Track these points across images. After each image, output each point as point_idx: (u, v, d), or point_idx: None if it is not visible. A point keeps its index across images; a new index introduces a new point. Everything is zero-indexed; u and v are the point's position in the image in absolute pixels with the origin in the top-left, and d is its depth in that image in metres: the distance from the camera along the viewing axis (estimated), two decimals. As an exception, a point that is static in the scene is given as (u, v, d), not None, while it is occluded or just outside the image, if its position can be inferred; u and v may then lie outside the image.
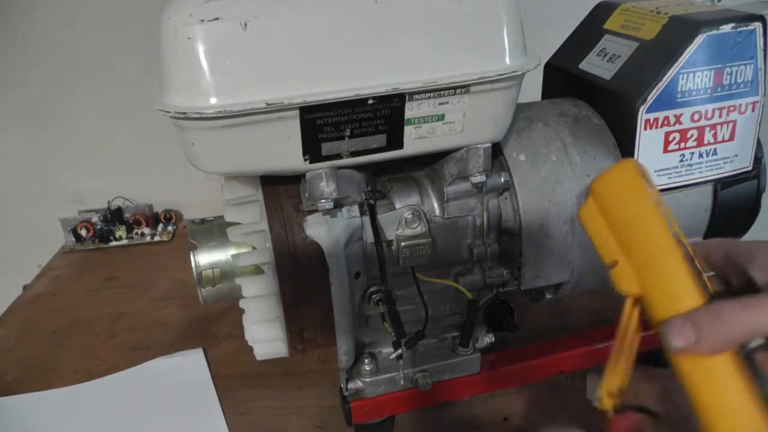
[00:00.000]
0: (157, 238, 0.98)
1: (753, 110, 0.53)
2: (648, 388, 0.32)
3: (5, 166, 1.00)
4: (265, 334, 0.54)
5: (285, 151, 0.44)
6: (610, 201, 0.31)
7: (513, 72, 0.44)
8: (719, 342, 0.27)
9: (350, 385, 0.55)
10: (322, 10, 0.41)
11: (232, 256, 0.53)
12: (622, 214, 0.30)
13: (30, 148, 0.99)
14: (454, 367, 0.57)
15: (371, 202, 0.50)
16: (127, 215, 1.00)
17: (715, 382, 0.27)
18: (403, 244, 0.50)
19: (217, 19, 0.39)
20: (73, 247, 0.97)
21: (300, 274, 0.50)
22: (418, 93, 0.43)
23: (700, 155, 0.54)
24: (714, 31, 0.49)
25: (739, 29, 0.50)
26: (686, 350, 0.27)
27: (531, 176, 0.52)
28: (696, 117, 0.52)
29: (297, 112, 0.42)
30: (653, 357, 0.49)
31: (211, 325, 0.76)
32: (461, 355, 0.57)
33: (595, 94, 0.56)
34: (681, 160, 0.53)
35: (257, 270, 0.53)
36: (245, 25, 0.40)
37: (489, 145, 0.49)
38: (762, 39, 0.51)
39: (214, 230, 0.55)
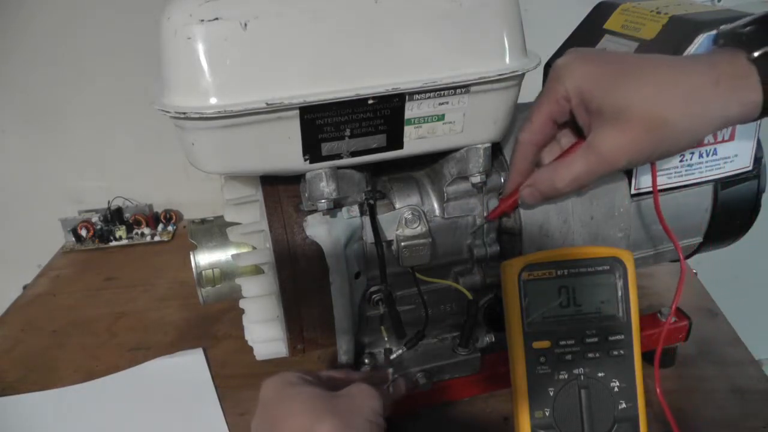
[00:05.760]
0: (157, 238, 0.98)
1: (753, 110, 0.53)
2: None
3: (5, 166, 1.00)
4: (265, 334, 0.54)
5: (285, 151, 0.44)
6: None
7: (513, 72, 0.44)
8: (543, 193, 0.46)
9: (350, 385, 0.55)
10: (322, 10, 0.41)
11: (232, 256, 0.53)
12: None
13: (30, 148, 0.99)
14: (454, 367, 0.57)
15: (371, 202, 0.50)
16: (127, 215, 1.00)
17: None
18: (403, 244, 0.50)
19: (217, 19, 0.39)
20: (73, 247, 0.97)
21: (300, 274, 0.50)
22: (418, 93, 0.43)
23: (700, 155, 0.54)
24: (714, 31, 0.49)
25: (739, 29, 0.50)
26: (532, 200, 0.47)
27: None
28: (696, 117, 0.52)
29: (297, 112, 0.42)
30: (653, 356, 0.49)
31: (211, 325, 0.76)
32: (461, 355, 0.57)
33: (595, 94, 0.56)
34: (681, 160, 0.53)
35: (257, 270, 0.53)
36: (245, 25, 0.40)
37: (489, 145, 0.49)
38: (762, 39, 0.51)
39: (214, 230, 0.56)
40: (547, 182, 0.45)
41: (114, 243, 0.97)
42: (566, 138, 0.47)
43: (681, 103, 0.38)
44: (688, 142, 0.41)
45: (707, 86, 0.38)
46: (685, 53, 0.49)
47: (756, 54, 0.38)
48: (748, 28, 0.39)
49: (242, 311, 0.55)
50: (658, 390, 0.45)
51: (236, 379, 0.66)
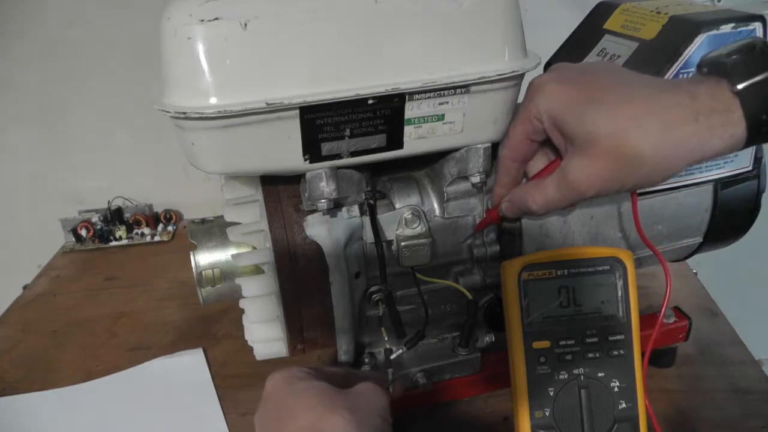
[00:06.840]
0: (157, 238, 0.98)
1: (753, 110, 0.53)
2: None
3: (5, 165, 1.00)
4: (265, 334, 0.54)
5: (285, 151, 0.44)
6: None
7: (513, 72, 0.44)
8: (520, 210, 0.46)
9: (350, 385, 0.55)
10: (322, 9, 0.41)
11: (232, 256, 0.53)
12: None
13: (30, 148, 0.99)
14: (454, 367, 0.57)
15: (371, 202, 0.50)
16: (127, 215, 1.00)
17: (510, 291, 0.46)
18: (403, 244, 0.50)
19: (217, 19, 0.39)
20: (73, 247, 0.97)
21: (300, 274, 0.50)
22: (418, 93, 0.43)
23: (700, 155, 0.54)
24: (714, 31, 0.49)
25: (739, 29, 0.50)
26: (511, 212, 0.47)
27: (531, 176, 0.52)
28: (696, 117, 0.51)
29: (297, 112, 0.42)
30: (653, 357, 0.49)
31: (211, 325, 0.76)
32: (461, 355, 0.57)
33: (595, 94, 0.56)
34: (681, 160, 0.53)
35: (257, 270, 0.53)
36: (245, 25, 0.40)
37: (489, 145, 0.49)
38: (762, 39, 0.51)
39: (214, 230, 0.56)
40: (521, 202, 0.45)
41: (114, 243, 0.97)
42: (553, 151, 0.46)
43: (655, 138, 0.37)
44: (662, 177, 0.39)
45: (686, 121, 0.36)
46: (685, 53, 0.49)
47: (740, 86, 0.36)
48: (733, 57, 0.37)
49: (242, 311, 0.55)
50: (646, 401, 0.45)
51: (236, 379, 0.67)
